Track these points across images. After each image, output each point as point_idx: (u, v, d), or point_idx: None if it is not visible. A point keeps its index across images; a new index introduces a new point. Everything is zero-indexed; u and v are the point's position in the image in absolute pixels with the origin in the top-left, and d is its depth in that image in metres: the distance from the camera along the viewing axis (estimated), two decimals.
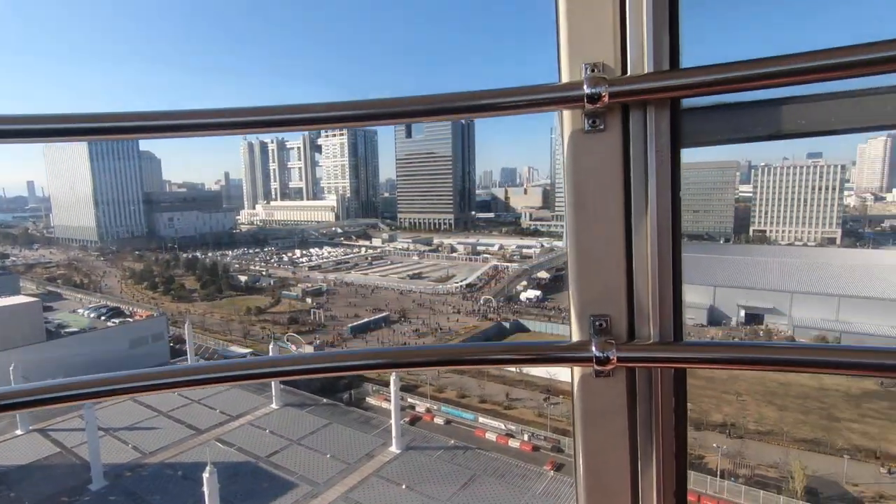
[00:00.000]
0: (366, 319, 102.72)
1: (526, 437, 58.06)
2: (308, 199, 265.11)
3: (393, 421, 50.12)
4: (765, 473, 50.48)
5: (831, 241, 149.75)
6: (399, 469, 46.71)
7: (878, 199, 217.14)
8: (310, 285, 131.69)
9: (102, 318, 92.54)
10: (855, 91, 1.43)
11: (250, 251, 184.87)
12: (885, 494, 46.92)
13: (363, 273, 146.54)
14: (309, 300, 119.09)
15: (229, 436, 52.35)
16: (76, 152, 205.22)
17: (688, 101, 1.57)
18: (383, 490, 43.85)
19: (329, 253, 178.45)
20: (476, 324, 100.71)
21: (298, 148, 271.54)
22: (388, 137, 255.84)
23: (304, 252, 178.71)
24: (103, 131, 1.54)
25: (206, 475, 38.56)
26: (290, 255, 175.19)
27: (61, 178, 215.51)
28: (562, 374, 55.45)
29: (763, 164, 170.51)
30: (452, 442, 53.01)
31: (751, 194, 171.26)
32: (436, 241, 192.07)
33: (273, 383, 67.30)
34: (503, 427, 59.92)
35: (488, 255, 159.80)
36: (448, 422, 62.64)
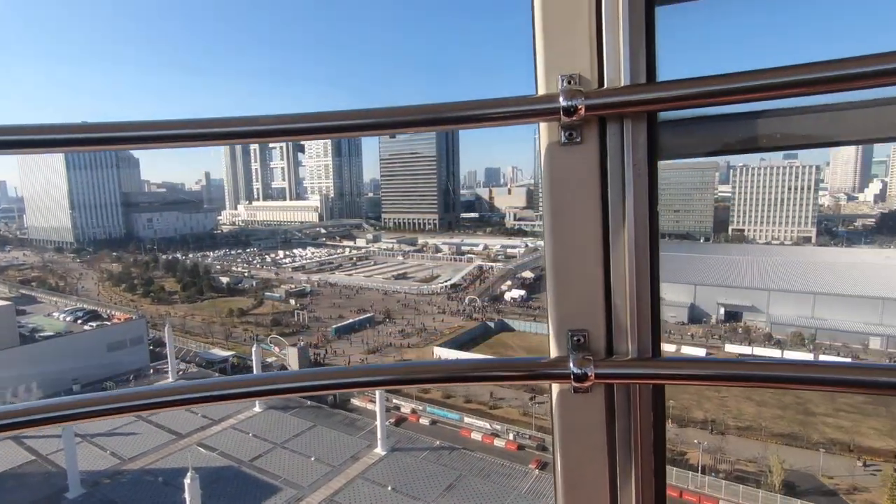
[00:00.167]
0: (350, 320, 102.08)
1: (511, 437, 58.34)
2: (291, 199, 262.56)
3: (378, 422, 49.92)
4: (744, 468, 51.54)
5: (807, 240, 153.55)
6: (385, 471, 46.53)
7: (850, 198, 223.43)
8: (293, 286, 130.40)
9: (79, 321, 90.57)
10: (830, 105, 1.44)
11: (232, 252, 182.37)
12: (858, 486, 48.28)
13: (347, 274, 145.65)
14: (292, 301, 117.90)
15: (211, 440, 51.56)
16: None
17: (665, 114, 1.57)
18: (369, 492, 43.64)
19: (313, 254, 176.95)
20: (461, 324, 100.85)
21: (281, 148, 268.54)
22: (371, 138, 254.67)
23: (288, 253, 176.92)
24: (90, 142, 1.50)
25: (187, 481, 37.94)
26: (272, 255, 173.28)
27: (35, 178, 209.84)
28: None
29: (741, 164, 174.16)
30: (438, 442, 53.01)
31: (730, 194, 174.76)
32: (420, 241, 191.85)
33: None
34: (488, 427, 60.12)
35: (473, 255, 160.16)
36: (434, 422, 62.61)
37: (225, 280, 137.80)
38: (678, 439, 56.28)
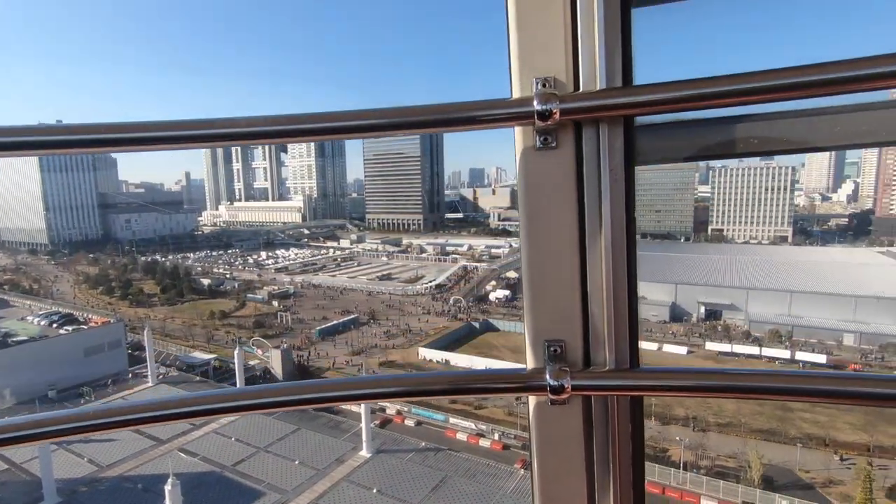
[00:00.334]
0: (334, 322, 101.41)
1: (496, 437, 58.58)
2: (274, 199, 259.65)
3: (363, 424, 49.60)
4: (724, 464, 52.56)
5: (783, 240, 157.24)
6: (370, 473, 46.27)
7: (824, 198, 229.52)
8: (276, 288, 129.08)
9: (54, 325, 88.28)
10: (806, 110, 1.43)
11: (213, 253, 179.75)
12: (833, 480, 49.58)
13: (331, 275, 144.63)
14: (275, 303, 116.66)
15: (193, 445, 50.66)
16: None
17: (641, 119, 1.54)
18: (354, 495, 43.35)
19: (296, 254, 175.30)
20: (446, 324, 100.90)
21: (263, 148, 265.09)
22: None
23: (270, 254, 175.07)
24: (66, 145, 1.46)
25: (168, 487, 37.26)
26: (255, 257, 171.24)
27: (7, 177, 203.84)
28: None
29: (720, 166, 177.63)
30: (423, 444, 52.89)
31: (709, 195, 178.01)
32: (405, 241, 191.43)
33: (238, 385, 65.57)
34: (474, 427, 60.28)
35: (457, 256, 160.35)
36: (419, 423, 62.54)
37: (206, 282, 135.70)
38: (660, 436, 57.13)
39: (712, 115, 1.51)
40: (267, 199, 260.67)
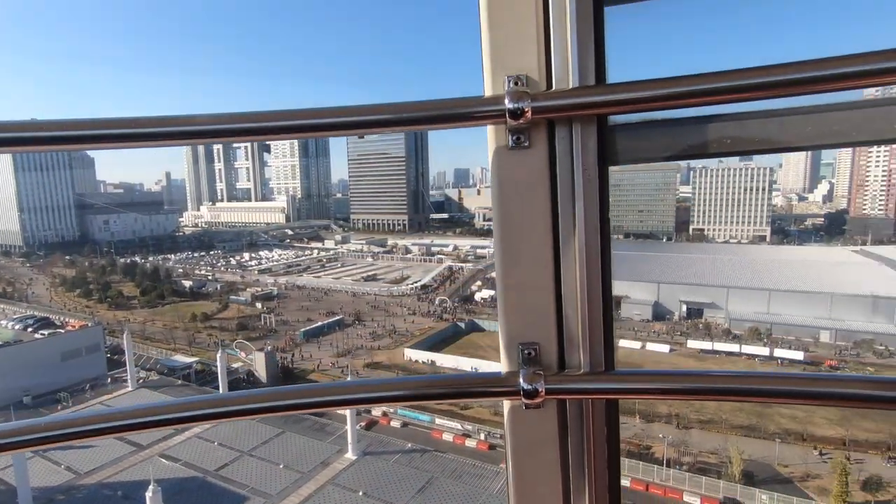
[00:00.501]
0: (319, 323, 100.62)
1: (482, 437, 58.70)
2: (257, 200, 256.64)
3: (348, 426, 49.25)
4: (706, 460, 53.45)
5: (762, 239, 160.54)
6: (356, 476, 45.99)
7: (801, 199, 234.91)
8: (260, 289, 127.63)
9: (29, 329, 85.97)
10: (778, 110, 1.43)
11: (195, 255, 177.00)
12: (811, 473, 50.79)
13: (316, 276, 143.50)
14: (259, 305, 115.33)
15: (174, 450, 49.79)
16: None
17: (615, 118, 1.53)
18: (340, 498, 43.05)
19: (280, 255, 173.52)
20: (432, 325, 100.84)
21: (246, 147, 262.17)
22: (340, 138, 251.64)
23: (254, 255, 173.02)
24: (37, 142, 1.41)
25: (148, 494, 36.55)
26: (238, 258, 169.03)
27: None
28: None
29: (701, 166, 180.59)
30: (409, 445, 52.76)
31: (690, 195, 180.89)
32: (390, 242, 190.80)
33: (221, 389, 64.67)
34: (460, 427, 60.32)
35: (443, 256, 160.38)
36: (405, 424, 62.37)
37: (187, 284, 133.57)
38: (644, 434, 57.89)
39: (686, 114, 1.50)
40: (250, 200, 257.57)
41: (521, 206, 1.55)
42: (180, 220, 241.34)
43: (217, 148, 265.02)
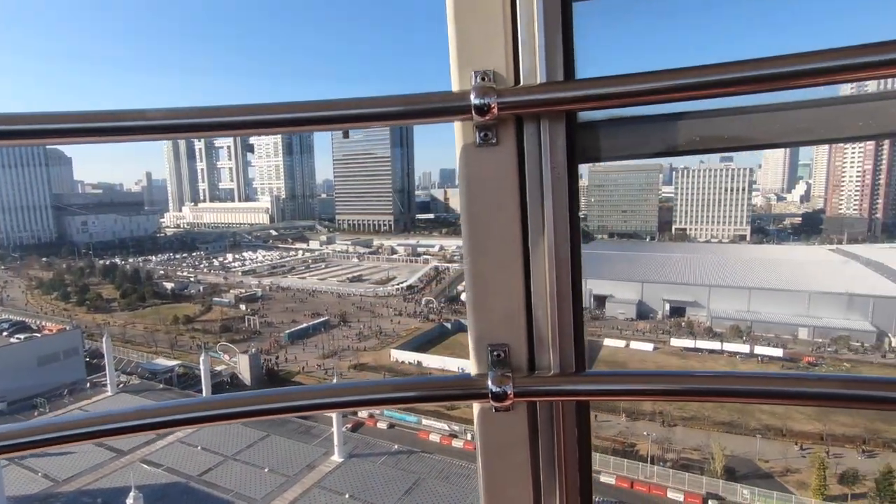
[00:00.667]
0: (304, 325, 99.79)
1: (469, 437, 58.75)
2: (240, 200, 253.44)
3: (334, 428, 48.96)
4: (689, 456, 54.30)
5: (742, 238, 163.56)
6: (342, 478, 45.75)
7: (779, 198, 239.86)
8: (243, 291, 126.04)
9: (4, 333, 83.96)
10: (747, 108, 1.42)
11: (177, 256, 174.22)
12: (790, 468, 51.91)
13: (300, 277, 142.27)
14: (243, 307, 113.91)
15: (156, 455, 48.96)
16: None
17: (585, 115, 1.51)
18: (326, 501, 42.78)
19: (264, 256, 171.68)
20: (418, 325, 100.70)
21: (229, 147, 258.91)
22: (324, 137, 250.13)
23: (237, 256, 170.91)
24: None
25: (129, 501, 35.92)
26: (221, 259, 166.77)
27: None
28: None
29: (683, 167, 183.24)
30: (396, 447, 52.64)
31: (673, 195, 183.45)
32: (375, 242, 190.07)
33: (204, 392, 63.75)
34: (447, 428, 60.32)
35: (429, 257, 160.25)
36: (391, 426, 62.19)
37: (169, 286, 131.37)
38: (629, 432, 58.58)
39: (656, 111, 1.48)
40: (233, 200, 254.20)
41: (490, 204, 1.52)
42: (161, 220, 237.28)
43: (199, 147, 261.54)
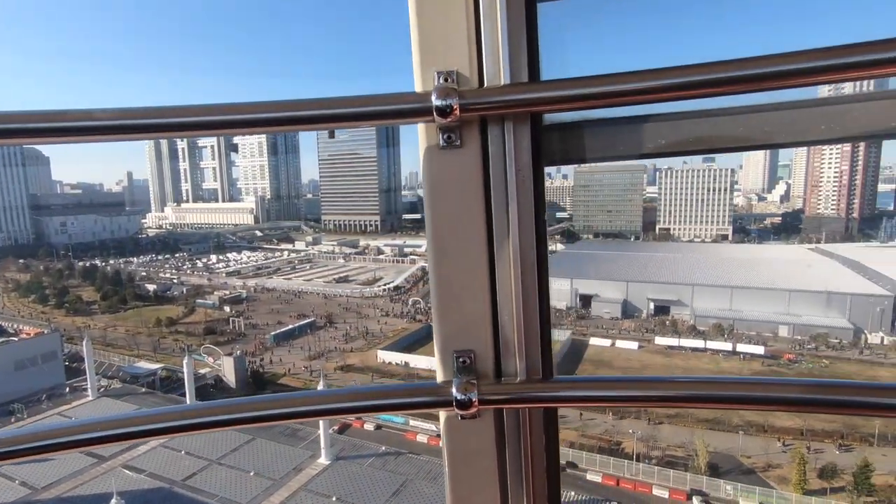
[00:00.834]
0: (290, 326, 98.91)
1: None
2: (224, 200, 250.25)
3: (321, 431, 48.63)
4: (674, 453, 55.01)
5: (724, 238, 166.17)
6: (329, 481, 45.45)
7: (760, 199, 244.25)
8: (227, 292, 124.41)
9: None
10: (711, 111, 1.41)
11: (159, 257, 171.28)
12: (772, 464, 52.89)
13: (286, 278, 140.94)
14: (227, 308, 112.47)
15: (139, 461, 48.11)
16: None
17: (550, 117, 1.49)
18: None
19: (248, 257, 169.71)
20: (405, 326, 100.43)
21: (212, 147, 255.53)
22: (310, 137, 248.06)
23: (221, 257, 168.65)
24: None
25: None
26: (204, 260, 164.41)
27: None
28: None
29: (666, 167, 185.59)
30: (383, 448, 52.47)
31: (657, 195, 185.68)
32: (362, 243, 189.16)
33: (187, 395, 62.88)
34: (434, 429, 60.21)
35: (416, 257, 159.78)
36: (378, 427, 61.90)
37: (151, 287, 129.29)
38: (615, 430, 59.13)
39: (624, 113, 1.47)
40: (217, 201, 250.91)
41: (454, 208, 1.49)
42: (143, 221, 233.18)
43: (182, 147, 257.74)
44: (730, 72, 1.18)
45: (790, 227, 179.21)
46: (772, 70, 1.16)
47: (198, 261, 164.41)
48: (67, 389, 69.07)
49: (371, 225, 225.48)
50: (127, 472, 46.24)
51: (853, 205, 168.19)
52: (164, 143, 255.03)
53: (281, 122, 1.39)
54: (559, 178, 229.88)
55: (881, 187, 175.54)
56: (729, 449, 54.78)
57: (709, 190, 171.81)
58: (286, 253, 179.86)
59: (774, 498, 47.87)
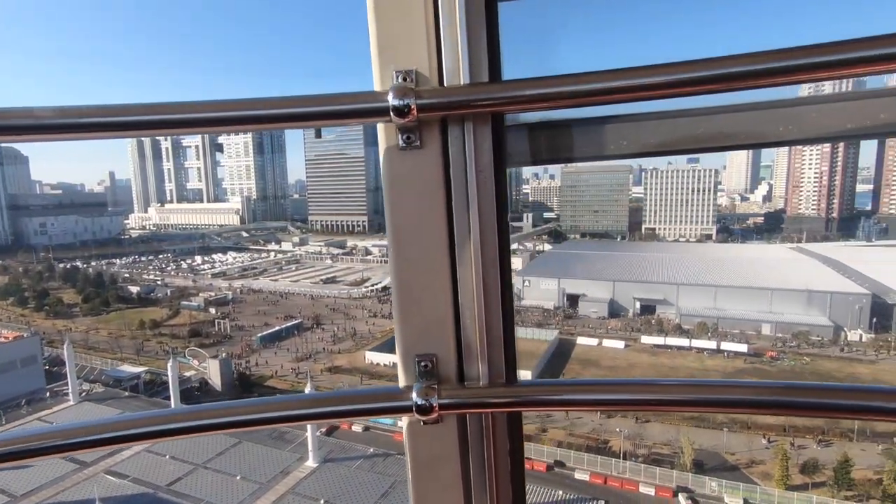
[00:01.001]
0: (277, 328, 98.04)
1: None
2: (209, 201, 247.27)
3: (308, 433, 48.25)
4: (660, 451, 55.65)
5: (708, 237, 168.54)
6: (316, 484, 45.10)
7: (743, 199, 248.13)
8: (213, 294, 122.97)
9: None
10: (670, 112, 1.41)
11: (143, 259, 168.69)
12: (755, 460, 53.77)
13: (273, 279, 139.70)
14: (213, 310, 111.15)
15: (122, 466, 47.24)
16: None
17: (514, 118, 1.47)
18: None
19: (234, 258, 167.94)
20: (393, 326, 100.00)
21: (197, 146, 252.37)
22: (297, 136, 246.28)
23: (206, 258, 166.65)
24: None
25: None
26: (189, 261, 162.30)
27: None
28: None
29: (651, 167, 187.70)
30: (372, 450, 52.22)
31: (642, 195, 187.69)
32: (349, 243, 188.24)
33: (172, 399, 61.99)
34: None
35: None
36: (366, 428, 61.65)
37: (134, 289, 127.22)
38: (602, 429, 59.63)
39: (587, 114, 1.46)
40: (202, 201, 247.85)
41: (415, 209, 1.47)
42: (126, 222, 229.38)
43: (166, 146, 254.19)
44: (695, 72, 1.17)
45: (772, 226, 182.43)
46: (736, 70, 1.14)
47: (182, 262, 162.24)
48: (48, 394, 67.70)
49: (359, 225, 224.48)
50: (110, 477, 45.39)
51: (833, 205, 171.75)
52: (147, 141, 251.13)
53: (229, 121, 1.34)
54: (546, 179, 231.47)
55: (859, 188, 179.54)
56: (714, 446, 55.58)
57: (693, 190, 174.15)
58: (273, 254, 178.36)
59: (758, 494, 48.66)
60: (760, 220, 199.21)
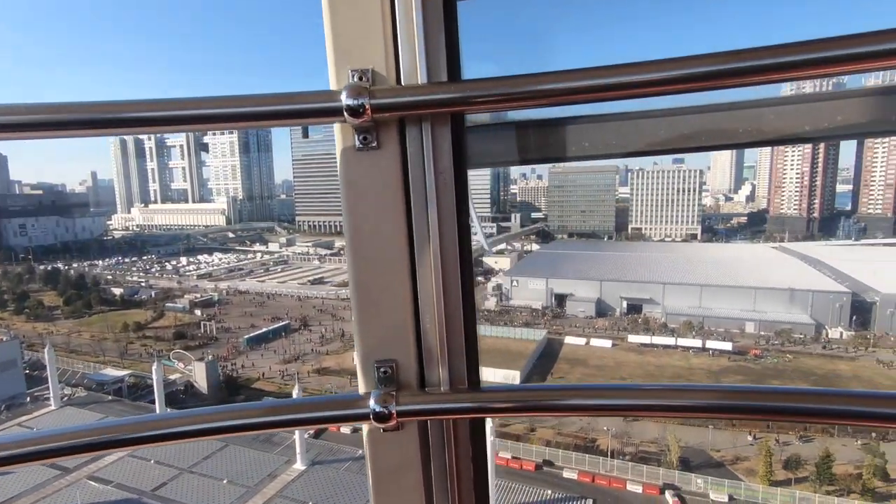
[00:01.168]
0: (263, 329, 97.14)
1: None
2: (194, 201, 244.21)
3: (296, 436, 47.90)
4: (647, 449, 56.22)
5: (693, 237, 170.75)
6: (305, 486, 44.79)
7: (727, 199, 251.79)
8: (198, 296, 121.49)
9: None
10: (632, 113, 1.39)
11: (126, 260, 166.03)
12: (740, 456, 54.60)
13: (259, 280, 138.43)
14: (198, 312, 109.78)
15: (105, 472, 46.45)
16: None
17: (473, 118, 1.45)
18: None
19: (220, 259, 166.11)
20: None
21: (181, 146, 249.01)
22: (283, 136, 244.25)
23: (191, 259, 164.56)
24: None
25: None
26: (174, 263, 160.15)
27: None
28: None
29: (638, 168, 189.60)
30: (360, 452, 51.96)
31: (629, 195, 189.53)
32: (337, 244, 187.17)
33: (157, 402, 61.08)
34: None
35: None
36: (355, 430, 61.36)
37: (118, 291, 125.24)
38: (590, 427, 60.07)
39: (548, 115, 1.44)
40: (187, 201, 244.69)
41: (373, 211, 1.44)
42: (109, 223, 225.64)
43: (149, 146, 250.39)
44: (661, 72, 1.14)
45: (755, 226, 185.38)
46: (699, 71, 1.12)
47: (167, 263, 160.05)
48: (28, 399, 66.26)
49: None
50: (93, 483, 44.60)
51: (814, 205, 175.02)
52: (129, 141, 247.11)
53: (177, 120, 1.29)
54: (534, 179, 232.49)
55: (839, 188, 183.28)
56: (700, 443, 56.31)
57: (679, 190, 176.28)
58: (259, 255, 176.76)
59: (743, 489, 49.41)
60: (744, 219, 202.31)
